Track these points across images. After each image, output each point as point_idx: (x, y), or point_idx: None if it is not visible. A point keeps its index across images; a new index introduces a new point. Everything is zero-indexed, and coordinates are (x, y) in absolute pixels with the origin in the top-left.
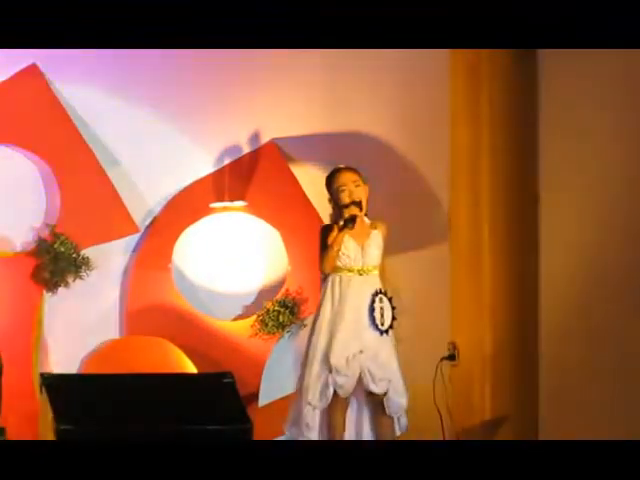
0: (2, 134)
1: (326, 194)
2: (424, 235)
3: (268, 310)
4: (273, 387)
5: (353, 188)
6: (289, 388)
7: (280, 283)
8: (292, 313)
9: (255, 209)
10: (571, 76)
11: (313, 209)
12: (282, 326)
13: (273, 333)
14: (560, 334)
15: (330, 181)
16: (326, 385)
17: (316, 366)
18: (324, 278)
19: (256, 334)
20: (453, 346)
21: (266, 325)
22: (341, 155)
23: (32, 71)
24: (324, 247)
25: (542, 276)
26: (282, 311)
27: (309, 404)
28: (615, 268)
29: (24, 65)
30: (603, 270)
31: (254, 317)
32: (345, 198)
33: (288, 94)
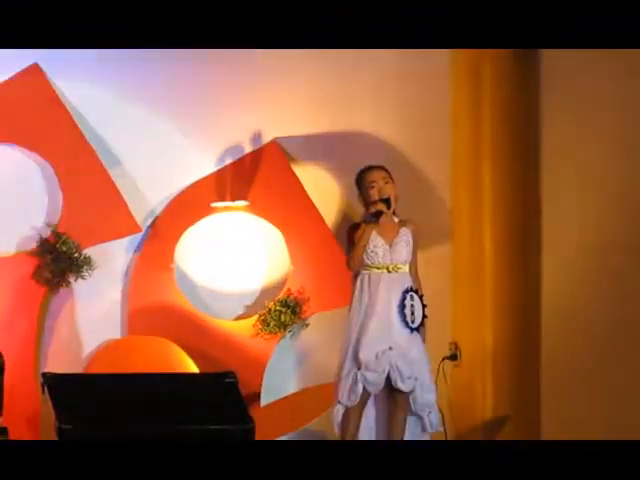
0: (4, 133)
1: (328, 192)
2: (426, 235)
3: (270, 310)
4: (275, 387)
5: (382, 185)
6: (291, 388)
7: (282, 283)
8: (294, 313)
9: (257, 209)
10: (571, 76)
11: (315, 209)
12: (284, 326)
13: (275, 333)
14: (561, 334)
15: (361, 178)
16: (355, 382)
17: (346, 363)
18: (354, 276)
19: (258, 334)
20: (455, 346)
21: (268, 325)
22: (343, 155)
23: (34, 71)
24: (351, 244)
25: (543, 276)
26: (284, 311)
27: (339, 402)
28: (616, 268)
29: (26, 65)
30: (604, 270)
31: (256, 317)
32: (374, 194)
33: (290, 94)
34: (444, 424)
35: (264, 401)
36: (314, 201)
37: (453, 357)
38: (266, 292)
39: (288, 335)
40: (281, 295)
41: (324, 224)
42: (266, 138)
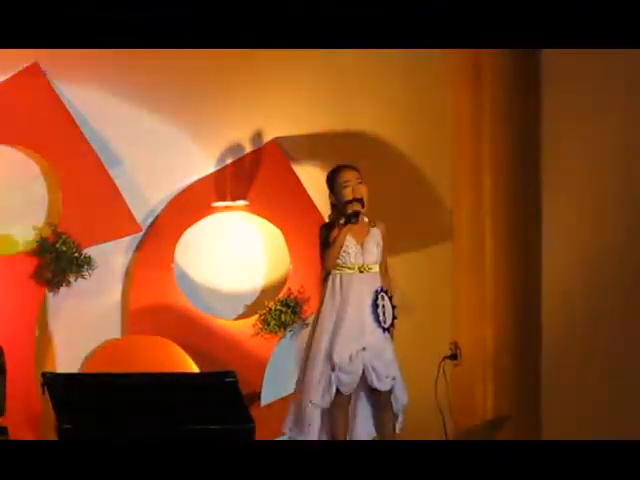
0: (4, 133)
1: (327, 192)
2: (426, 235)
3: (270, 309)
4: (275, 386)
5: (356, 185)
6: (291, 387)
7: (282, 282)
8: (294, 312)
9: (257, 208)
10: (572, 76)
11: (315, 208)
12: (284, 325)
13: (275, 332)
14: (562, 334)
15: (333, 177)
16: (329, 383)
17: (319, 364)
18: (325, 277)
19: (258, 333)
20: (455, 345)
21: (268, 324)
22: (343, 155)
23: (34, 71)
24: (325, 245)
25: (544, 276)
26: (284, 310)
27: (311, 403)
28: (616, 267)
29: (25, 65)
30: (605, 269)
31: (256, 316)
32: (348, 194)
33: (290, 94)
34: (444, 424)
35: (264, 401)
36: (314, 201)
37: (453, 357)
38: (266, 292)
39: (288, 335)
40: (281, 295)
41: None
42: (266, 138)
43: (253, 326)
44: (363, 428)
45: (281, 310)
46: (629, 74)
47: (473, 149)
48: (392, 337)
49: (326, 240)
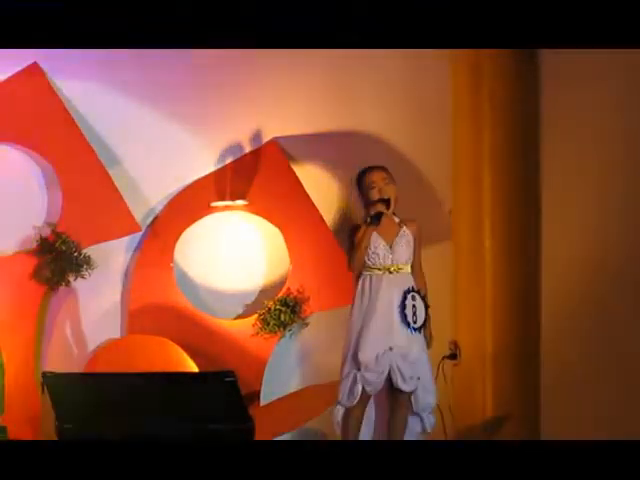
0: (4, 133)
1: (328, 191)
2: (426, 234)
3: (269, 309)
4: (274, 386)
5: (383, 185)
6: (291, 387)
7: (281, 282)
8: (293, 312)
9: (256, 208)
10: (571, 76)
11: (314, 208)
12: (283, 325)
13: (274, 332)
14: (561, 334)
15: (361, 179)
16: (354, 382)
17: (346, 364)
18: (356, 278)
19: (257, 333)
20: (455, 345)
21: (267, 324)
22: (343, 154)
23: (33, 70)
24: (352, 246)
25: (543, 275)
26: (283, 310)
27: (339, 403)
28: (616, 268)
29: (25, 64)
30: (604, 269)
31: (255, 316)
32: (374, 195)
33: (290, 93)
34: (444, 424)
35: (264, 400)
36: (314, 200)
37: (453, 356)
38: (266, 291)
39: (288, 334)
40: (281, 294)
41: (324, 223)
42: (266, 137)
43: (252, 326)
44: (372, 428)
45: (280, 310)
46: (629, 74)
47: (473, 149)
48: (427, 337)
49: (352, 242)
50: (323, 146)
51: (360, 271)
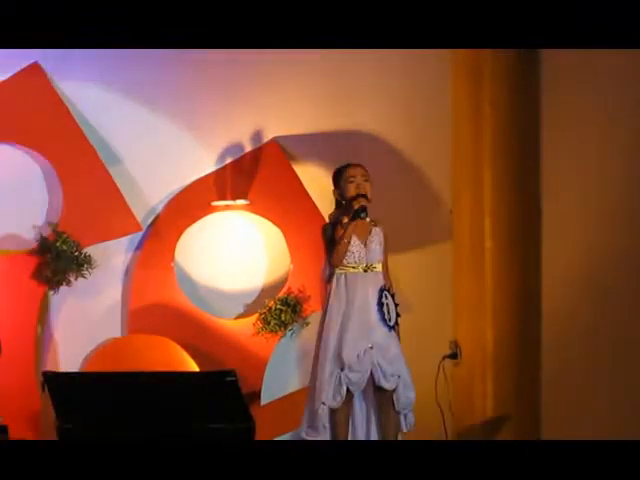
0: (5, 132)
1: (328, 191)
2: (426, 234)
3: (270, 308)
4: (275, 386)
5: (361, 181)
6: (291, 387)
7: (282, 281)
8: (294, 311)
9: (257, 207)
10: (572, 76)
11: (315, 207)
12: (284, 325)
13: (275, 332)
14: (561, 333)
15: (339, 174)
16: (339, 383)
17: (328, 365)
18: (329, 277)
19: (258, 332)
20: (455, 344)
21: (268, 323)
22: (343, 154)
23: (34, 70)
24: (331, 242)
25: (544, 276)
26: (284, 309)
27: (323, 404)
28: (616, 268)
29: (26, 64)
30: (604, 270)
31: (256, 315)
32: (352, 190)
33: (290, 93)
34: (444, 424)
35: (264, 400)
36: (314, 200)
37: (453, 356)
38: (266, 291)
39: (289, 334)
40: (281, 294)
41: (324, 222)
42: (266, 137)
43: (253, 325)
44: (361, 427)
45: (281, 309)
46: (629, 74)
47: (473, 149)
48: (398, 335)
49: (331, 238)
50: (323, 145)
51: (338, 267)
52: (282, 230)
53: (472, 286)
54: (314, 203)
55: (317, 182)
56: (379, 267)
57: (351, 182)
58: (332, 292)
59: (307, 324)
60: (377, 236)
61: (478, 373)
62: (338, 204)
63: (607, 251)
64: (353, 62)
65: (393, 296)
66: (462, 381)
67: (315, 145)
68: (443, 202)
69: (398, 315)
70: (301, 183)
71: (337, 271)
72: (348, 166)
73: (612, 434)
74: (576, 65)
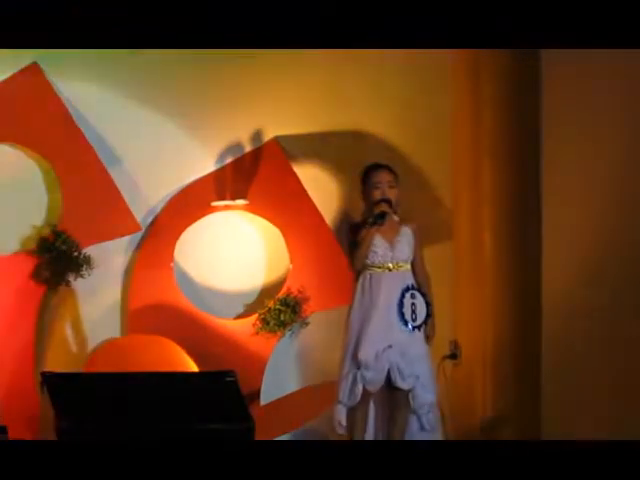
0: (4, 132)
1: (328, 191)
2: (426, 234)
3: (269, 309)
4: (275, 386)
5: (387, 189)
6: (291, 387)
7: (281, 282)
8: (294, 312)
9: (257, 208)
10: (572, 76)
11: (315, 207)
12: (284, 325)
13: (275, 332)
14: (562, 334)
15: (367, 176)
16: (355, 381)
17: (346, 364)
18: (356, 276)
19: (257, 333)
20: (455, 345)
21: (267, 324)
22: (343, 154)
23: (33, 70)
24: (353, 244)
25: (544, 276)
26: (283, 310)
27: (340, 402)
28: (616, 268)
29: (25, 64)
30: (605, 270)
31: (255, 316)
32: (377, 195)
33: (290, 93)
34: (444, 424)
35: (264, 400)
36: (314, 200)
37: (453, 356)
38: (266, 291)
39: (288, 334)
40: (281, 294)
41: (324, 223)
42: (266, 137)
43: (253, 325)
44: (372, 427)
45: (280, 309)
46: (629, 74)
47: (473, 149)
48: (429, 335)
49: (354, 240)
50: (323, 145)
51: (360, 269)
52: (281, 230)
53: (472, 286)
54: (314, 203)
55: (317, 182)
56: (406, 266)
57: (377, 188)
58: (357, 291)
59: (306, 324)
60: (405, 236)
61: (478, 374)
62: (366, 204)
63: (607, 251)
64: (353, 62)
65: (424, 295)
66: (462, 382)
67: (315, 145)
68: (443, 202)
69: (429, 315)
70: (301, 183)
71: (364, 270)
72: (377, 169)
73: (612, 434)
74: (576, 65)
